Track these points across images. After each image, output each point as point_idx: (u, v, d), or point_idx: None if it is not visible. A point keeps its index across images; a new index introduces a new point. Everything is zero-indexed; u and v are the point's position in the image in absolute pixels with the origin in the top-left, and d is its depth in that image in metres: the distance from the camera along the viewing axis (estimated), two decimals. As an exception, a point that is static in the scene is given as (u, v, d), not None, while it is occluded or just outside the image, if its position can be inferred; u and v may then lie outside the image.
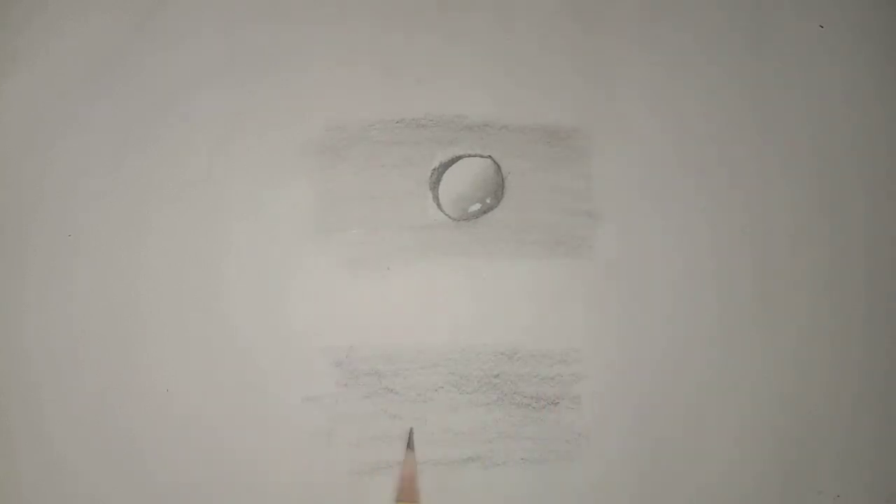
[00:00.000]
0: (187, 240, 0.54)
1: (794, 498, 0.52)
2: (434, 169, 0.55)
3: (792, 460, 0.53)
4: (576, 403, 0.53)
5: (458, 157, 0.55)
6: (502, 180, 0.55)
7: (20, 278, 0.53)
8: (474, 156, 0.55)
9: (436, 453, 0.52)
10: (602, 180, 0.55)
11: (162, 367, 0.52)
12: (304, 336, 0.53)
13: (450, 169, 0.55)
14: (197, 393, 0.52)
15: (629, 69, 0.56)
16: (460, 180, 0.55)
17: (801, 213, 0.55)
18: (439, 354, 0.53)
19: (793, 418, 0.53)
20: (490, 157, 0.55)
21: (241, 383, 0.52)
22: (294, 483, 0.51)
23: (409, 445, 0.51)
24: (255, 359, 0.53)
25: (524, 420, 0.52)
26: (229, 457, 0.51)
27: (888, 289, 0.55)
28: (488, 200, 0.55)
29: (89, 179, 0.55)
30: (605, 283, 0.54)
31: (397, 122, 0.55)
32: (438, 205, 0.55)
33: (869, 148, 0.56)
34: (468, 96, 0.56)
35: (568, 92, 0.56)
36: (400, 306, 0.53)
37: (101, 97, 0.56)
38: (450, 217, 0.54)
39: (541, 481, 0.52)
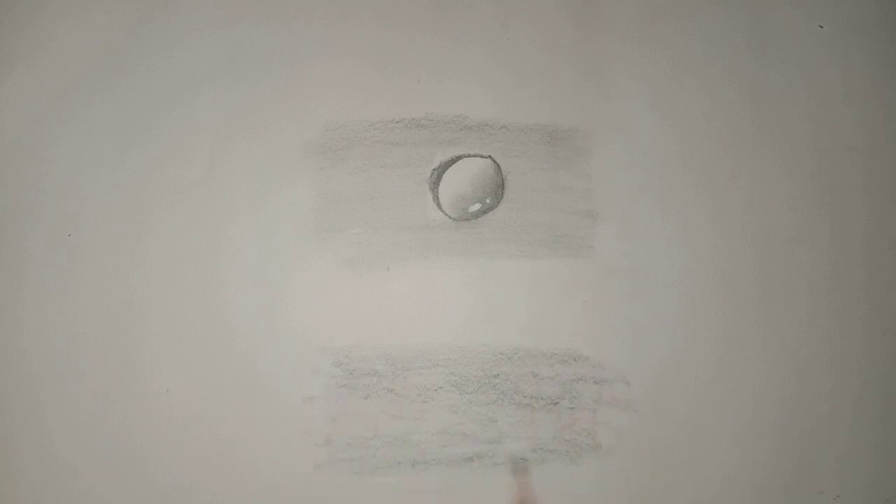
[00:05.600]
0: (187, 240, 0.54)
1: (794, 498, 0.52)
2: (434, 169, 0.55)
3: (792, 460, 0.53)
4: (576, 403, 0.52)
5: (458, 157, 0.55)
6: (502, 180, 0.55)
7: (20, 278, 0.53)
8: (474, 156, 0.55)
9: (436, 453, 0.52)
10: (602, 180, 0.55)
11: (162, 368, 0.52)
12: (304, 336, 0.53)
13: (450, 169, 0.55)
14: (197, 393, 0.52)
15: (629, 69, 0.56)
16: (460, 180, 0.55)
17: (801, 213, 0.55)
18: (439, 354, 0.53)
19: (793, 418, 0.53)
20: (490, 157, 0.55)
21: (241, 383, 0.52)
22: (294, 483, 0.51)
23: (520, 471, 0.51)
24: (256, 359, 0.52)
25: (524, 420, 0.52)
26: (229, 457, 0.51)
27: (888, 289, 0.55)
28: (488, 200, 0.55)
29: (89, 179, 0.55)
30: (605, 283, 0.54)
31: (397, 122, 0.55)
32: (438, 205, 0.55)
33: (869, 148, 0.56)
34: (468, 96, 0.56)
35: (568, 91, 0.56)
36: (400, 306, 0.53)
37: (101, 97, 0.56)
38: (450, 217, 0.54)
39: (541, 481, 0.52)
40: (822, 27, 0.58)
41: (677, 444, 0.52)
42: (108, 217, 0.54)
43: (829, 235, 0.55)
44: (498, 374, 0.53)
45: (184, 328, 0.53)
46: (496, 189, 0.55)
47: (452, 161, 0.55)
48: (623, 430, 0.52)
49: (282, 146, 0.55)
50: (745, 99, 0.57)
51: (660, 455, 0.52)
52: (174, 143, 0.55)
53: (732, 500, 0.52)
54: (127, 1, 0.57)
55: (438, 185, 0.55)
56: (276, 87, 0.56)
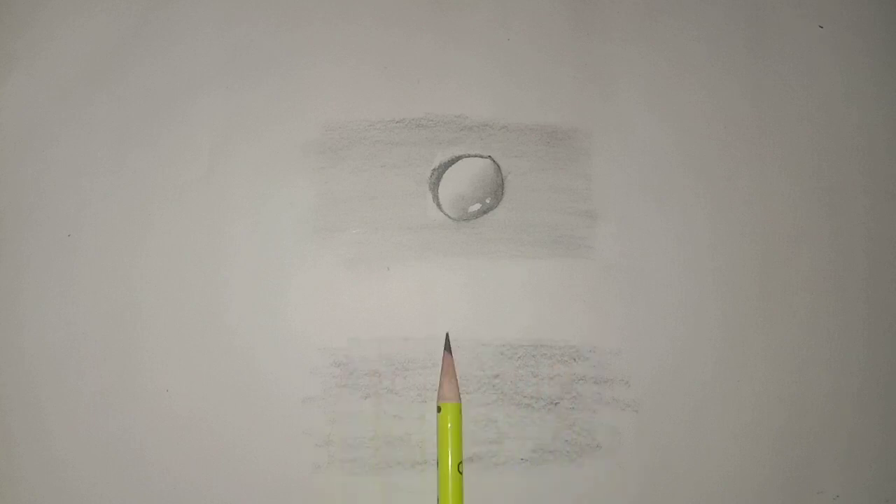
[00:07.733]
0: (187, 240, 0.54)
1: (794, 498, 0.52)
2: (434, 169, 0.55)
3: (792, 460, 0.53)
4: (576, 403, 0.53)
5: (458, 157, 0.55)
6: (502, 180, 0.55)
7: (19, 278, 0.53)
8: (474, 156, 0.55)
9: (436, 453, 0.52)
10: (602, 180, 0.55)
11: (162, 368, 0.52)
12: (303, 336, 0.53)
13: (450, 169, 0.55)
14: (197, 393, 0.52)
15: (629, 69, 0.57)
16: (460, 180, 0.55)
17: (801, 213, 0.55)
18: (439, 354, 0.53)
19: (793, 418, 0.53)
20: (490, 157, 0.55)
21: (240, 383, 0.52)
22: (294, 483, 0.51)
23: (447, 348, 0.52)
24: (255, 359, 0.52)
25: (524, 420, 0.52)
26: (229, 457, 0.51)
27: (888, 288, 0.55)
28: (488, 200, 0.55)
29: (89, 179, 0.55)
30: (605, 282, 0.54)
31: (397, 122, 0.55)
32: (438, 205, 0.55)
33: (869, 148, 0.56)
34: (468, 96, 0.56)
35: (568, 92, 0.56)
36: (400, 306, 0.53)
37: (101, 97, 0.56)
38: (450, 217, 0.54)
39: (541, 481, 0.52)
40: (821, 27, 0.58)
41: (677, 444, 0.52)
42: (108, 217, 0.54)
43: (829, 235, 0.55)
44: (498, 374, 0.53)
45: (184, 328, 0.53)
46: (496, 189, 0.55)
47: (452, 161, 0.55)
48: (623, 430, 0.52)
49: (282, 146, 0.55)
50: (745, 99, 0.57)
51: (660, 455, 0.52)
52: (174, 143, 0.55)
53: (732, 500, 0.52)
54: (127, 1, 0.57)
55: (438, 185, 0.55)
56: (276, 87, 0.56)
